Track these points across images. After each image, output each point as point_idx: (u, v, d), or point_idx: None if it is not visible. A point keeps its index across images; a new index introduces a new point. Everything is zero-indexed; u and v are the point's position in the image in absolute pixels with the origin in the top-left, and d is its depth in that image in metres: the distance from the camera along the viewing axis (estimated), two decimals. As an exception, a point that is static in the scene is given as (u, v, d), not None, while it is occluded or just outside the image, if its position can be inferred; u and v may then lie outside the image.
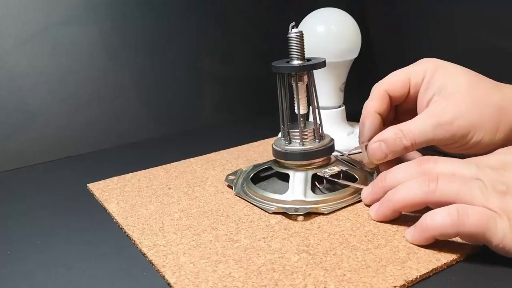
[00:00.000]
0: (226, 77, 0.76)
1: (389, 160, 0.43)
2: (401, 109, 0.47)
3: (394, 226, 0.38)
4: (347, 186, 0.43)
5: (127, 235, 0.40)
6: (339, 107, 0.57)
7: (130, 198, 0.47)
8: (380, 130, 0.44)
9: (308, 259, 0.34)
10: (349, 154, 0.45)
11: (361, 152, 0.46)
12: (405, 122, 0.43)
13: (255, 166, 0.50)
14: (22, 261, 0.38)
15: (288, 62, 0.44)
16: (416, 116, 0.43)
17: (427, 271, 0.32)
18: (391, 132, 0.42)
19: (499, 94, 0.42)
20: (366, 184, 0.44)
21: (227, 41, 0.76)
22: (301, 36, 0.43)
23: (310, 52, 0.49)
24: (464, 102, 0.41)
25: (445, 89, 0.42)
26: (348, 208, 0.41)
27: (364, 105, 0.48)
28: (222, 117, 0.76)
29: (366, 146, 0.44)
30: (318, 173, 0.43)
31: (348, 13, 0.56)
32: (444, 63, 0.45)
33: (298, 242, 0.36)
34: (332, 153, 0.45)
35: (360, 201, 0.42)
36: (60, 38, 0.64)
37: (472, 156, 0.39)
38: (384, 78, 0.46)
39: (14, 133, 0.62)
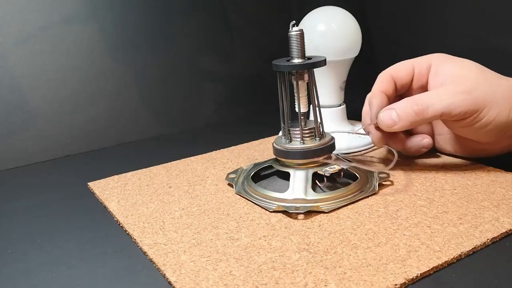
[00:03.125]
0: (226, 76, 0.76)
1: (398, 131, 0.44)
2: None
3: (395, 224, 0.38)
4: (349, 184, 0.43)
5: (128, 233, 0.40)
6: (340, 105, 0.57)
7: (130, 197, 0.47)
8: None
9: (309, 257, 0.34)
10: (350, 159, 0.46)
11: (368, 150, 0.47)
12: (419, 94, 0.44)
13: (256, 164, 0.50)
14: (23, 259, 0.38)
15: (288, 60, 0.44)
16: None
17: (428, 269, 0.32)
18: (403, 100, 0.44)
19: (506, 81, 0.43)
20: (366, 183, 0.45)
21: (228, 40, 0.76)
22: (301, 34, 0.43)
23: (310, 50, 0.49)
24: (479, 79, 0.43)
25: (457, 73, 0.44)
26: (349, 206, 0.41)
27: (366, 101, 0.49)
28: (223, 115, 0.76)
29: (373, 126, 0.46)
30: (318, 172, 0.43)
31: (349, 11, 0.56)
32: (449, 56, 0.46)
33: (299, 240, 0.36)
34: (333, 152, 0.45)
35: (361, 199, 0.42)
36: (60, 37, 0.64)
37: (478, 142, 0.42)
38: (391, 66, 0.48)
39: (14, 132, 0.62)
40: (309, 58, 0.44)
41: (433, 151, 0.52)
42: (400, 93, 0.48)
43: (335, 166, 0.43)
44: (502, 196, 0.41)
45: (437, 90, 0.44)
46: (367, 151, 0.54)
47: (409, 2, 0.74)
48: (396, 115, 0.43)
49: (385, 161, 0.51)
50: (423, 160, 0.50)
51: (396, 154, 0.45)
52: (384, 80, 0.47)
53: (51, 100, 0.64)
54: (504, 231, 0.36)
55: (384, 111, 0.44)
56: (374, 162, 0.51)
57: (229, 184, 0.48)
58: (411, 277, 0.31)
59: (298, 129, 0.44)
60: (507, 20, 0.60)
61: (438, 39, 0.69)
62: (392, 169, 0.47)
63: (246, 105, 0.78)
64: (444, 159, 0.50)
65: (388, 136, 0.47)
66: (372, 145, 0.53)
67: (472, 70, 0.43)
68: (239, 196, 0.45)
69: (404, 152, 0.49)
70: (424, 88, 0.47)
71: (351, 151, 0.54)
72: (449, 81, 0.44)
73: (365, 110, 0.49)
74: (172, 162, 0.56)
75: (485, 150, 0.47)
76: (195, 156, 0.58)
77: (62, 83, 0.64)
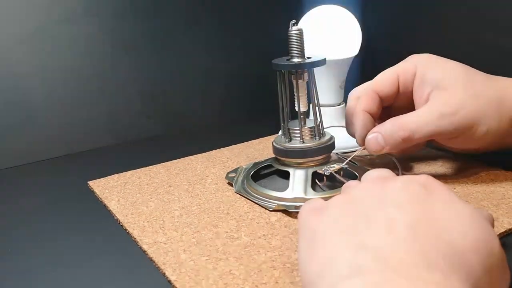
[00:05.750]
0: (226, 75, 0.76)
1: (386, 152, 0.43)
2: (393, 107, 0.47)
3: (394, 223, 0.38)
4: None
5: (128, 232, 0.40)
6: (339, 104, 0.57)
7: (130, 196, 0.47)
8: (371, 128, 0.44)
9: (308, 256, 0.34)
10: (351, 159, 0.45)
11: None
12: (405, 114, 0.42)
13: (256, 163, 0.50)
14: (23, 259, 0.38)
15: (288, 60, 0.44)
16: (418, 109, 0.43)
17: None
18: (389, 123, 0.42)
19: (495, 86, 0.42)
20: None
21: (227, 39, 0.76)
22: (301, 33, 0.43)
23: (310, 49, 0.48)
24: (465, 94, 0.41)
25: (443, 82, 0.42)
26: (348, 205, 0.41)
27: (349, 99, 0.48)
28: (223, 114, 0.76)
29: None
30: (318, 171, 0.43)
31: (348, 10, 0.56)
32: (435, 57, 0.44)
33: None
34: (333, 151, 0.46)
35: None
36: (60, 36, 0.63)
37: (478, 153, 0.40)
38: (374, 78, 0.46)
39: (14, 131, 0.62)
40: (309, 57, 0.44)
41: (431, 149, 0.52)
42: (386, 104, 0.46)
43: (334, 165, 0.44)
44: (502, 195, 0.41)
45: (422, 111, 0.42)
46: (358, 150, 0.53)
47: (409, 0, 0.73)
48: (383, 139, 0.42)
49: (385, 160, 0.51)
50: (422, 159, 0.50)
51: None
52: (368, 98, 0.45)
53: (51, 99, 0.64)
54: (504, 230, 0.36)
55: (370, 135, 0.43)
56: (373, 160, 0.51)
57: (229, 183, 0.48)
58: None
59: (298, 128, 0.44)
60: (507, 20, 0.60)
61: (439, 37, 0.69)
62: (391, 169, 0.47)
63: (246, 104, 0.78)
64: (444, 158, 0.50)
65: None
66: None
67: (459, 80, 0.41)
68: (239, 195, 0.45)
69: (401, 153, 0.49)
70: (409, 96, 0.45)
71: (350, 150, 0.54)
72: (434, 96, 0.42)
73: (348, 126, 0.47)
74: (172, 161, 0.56)
75: (477, 150, 0.46)
76: (195, 155, 0.58)
77: (62, 82, 0.64)
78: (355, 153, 0.46)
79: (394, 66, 0.46)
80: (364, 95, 0.45)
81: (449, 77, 0.42)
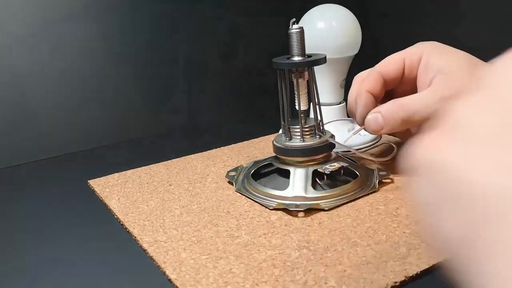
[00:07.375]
0: (227, 73, 0.76)
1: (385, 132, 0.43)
2: (397, 92, 0.47)
3: (395, 222, 0.38)
4: (349, 182, 0.43)
5: (128, 231, 0.40)
6: (340, 103, 0.57)
7: (131, 195, 0.47)
8: (372, 108, 0.44)
9: (309, 255, 0.34)
10: (350, 152, 0.45)
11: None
12: (407, 96, 0.43)
13: (256, 162, 0.50)
14: (23, 257, 0.38)
15: (288, 58, 0.44)
16: (420, 92, 0.43)
17: (428, 266, 0.32)
18: (389, 104, 0.43)
19: None
20: (366, 181, 0.45)
21: (228, 38, 0.76)
22: (301, 32, 0.43)
23: (310, 48, 0.48)
24: (467, 79, 0.41)
25: (446, 68, 0.42)
26: (349, 204, 0.41)
27: (354, 81, 0.48)
28: (223, 113, 0.76)
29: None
30: (318, 169, 0.43)
31: (349, 9, 0.56)
32: (441, 45, 0.45)
33: (299, 238, 0.36)
34: (333, 150, 0.45)
35: (361, 197, 0.42)
36: (61, 35, 0.63)
37: None
38: (381, 61, 0.47)
39: (15, 130, 0.62)
40: (309, 56, 0.44)
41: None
42: (390, 88, 0.47)
43: (335, 164, 0.43)
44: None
45: (424, 93, 0.42)
46: (366, 148, 0.54)
47: (409, -1, 0.74)
48: (382, 119, 0.43)
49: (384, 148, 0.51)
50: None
51: (395, 147, 0.45)
52: (372, 79, 0.45)
53: (52, 98, 0.64)
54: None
55: (370, 114, 0.44)
56: (374, 160, 0.51)
57: (229, 182, 0.48)
58: (411, 275, 0.31)
59: (298, 127, 0.44)
60: (508, 17, 0.60)
61: (439, 35, 0.69)
62: (391, 167, 0.47)
63: (246, 103, 0.78)
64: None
65: None
66: (372, 143, 0.53)
67: (462, 66, 0.42)
68: (239, 194, 0.45)
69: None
70: (414, 81, 0.45)
71: (351, 149, 0.54)
72: (437, 80, 0.42)
73: (350, 108, 0.48)
74: (172, 160, 0.56)
75: None
76: (195, 154, 0.58)
77: (62, 81, 0.64)
78: (361, 150, 0.46)
79: (401, 50, 0.46)
80: (370, 76, 0.46)
81: (453, 64, 0.42)
